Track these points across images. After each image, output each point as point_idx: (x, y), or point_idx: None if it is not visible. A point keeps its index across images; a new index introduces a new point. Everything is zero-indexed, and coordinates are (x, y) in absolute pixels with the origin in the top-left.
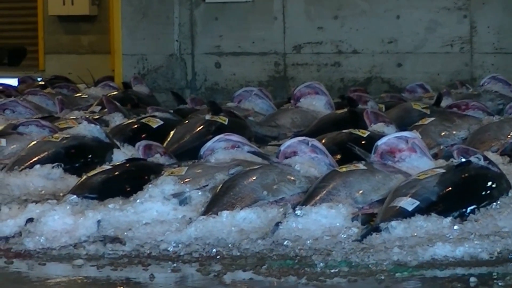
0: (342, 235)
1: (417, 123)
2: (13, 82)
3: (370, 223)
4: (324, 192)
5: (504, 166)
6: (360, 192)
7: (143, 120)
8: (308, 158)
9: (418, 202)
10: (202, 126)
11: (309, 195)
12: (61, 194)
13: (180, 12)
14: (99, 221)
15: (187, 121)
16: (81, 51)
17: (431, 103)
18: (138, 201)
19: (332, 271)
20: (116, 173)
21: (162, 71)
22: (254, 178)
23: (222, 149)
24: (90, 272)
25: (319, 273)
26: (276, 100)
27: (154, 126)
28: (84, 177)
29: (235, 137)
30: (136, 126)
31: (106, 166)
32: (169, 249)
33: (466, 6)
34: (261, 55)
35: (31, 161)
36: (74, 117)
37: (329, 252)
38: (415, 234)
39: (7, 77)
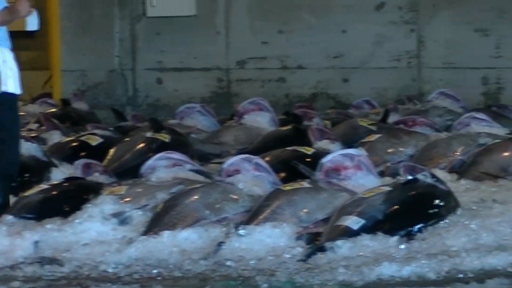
0: (287, 255)
1: (363, 140)
2: None
3: (315, 242)
4: (268, 211)
5: (452, 184)
6: (305, 210)
7: (82, 138)
8: (251, 176)
9: (364, 221)
10: (143, 144)
11: (253, 214)
12: None
13: (121, 27)
14: (36, 242)
15: (127, 139)
16: (20, 67)
17: (378, 119)
18: (76, 221)
19: None
20: (54, 193)
21: (102, 87)
22: (196, 197)
23: (163, 168)
24: None
25: None
26: (220, 116)
27: (94, 144)
28: (21, 196)
29: (176, 155)
30: (75, 144)
31: (43, 185)
32: (108, 270)
33: (413, 20)
34: (204, 70)
35: None
36: None
37: (273, 273)
38: (361, 253)
39: None
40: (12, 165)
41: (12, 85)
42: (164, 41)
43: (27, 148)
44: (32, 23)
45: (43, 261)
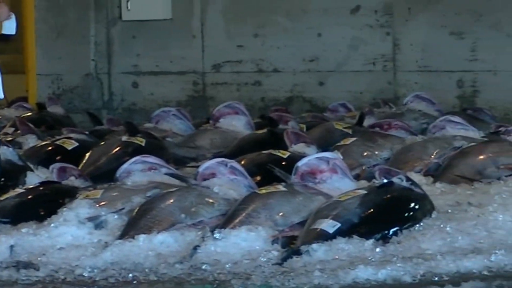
0: (262, 259)
1: (339, 143)
2: None
3: (290, 246)
4: (244, 214)
5: (427, 187)
6: (280, 214)
7: (58, 142)
8: (227, 180)
9: (339, 224)
10: (118, 148)
11: (228, 218)
12: None
13: (97, 30)
14: (12, 246)
15: (103, 143)
16: None
17: (353, 122)
18: (52, 225)
19: None
20: (30, 197)
21: (78, 91)
22: (172, 200)
23: (139, 171)
24: None
25: None
26: (195, 120)
27: (69, 148)
28: None
29: (152, 159)
30: (50, 148)
31: (19, 190)
32: (84, 274)
33: (389, 24)
34: (179, 74)
35: None
36: None
37: (249, 276)
38: (337, 256)
39: None
40: None
41: None
42: (140, 45)
43: (3, 153)
44: (10, 27)
45: (18, 265)
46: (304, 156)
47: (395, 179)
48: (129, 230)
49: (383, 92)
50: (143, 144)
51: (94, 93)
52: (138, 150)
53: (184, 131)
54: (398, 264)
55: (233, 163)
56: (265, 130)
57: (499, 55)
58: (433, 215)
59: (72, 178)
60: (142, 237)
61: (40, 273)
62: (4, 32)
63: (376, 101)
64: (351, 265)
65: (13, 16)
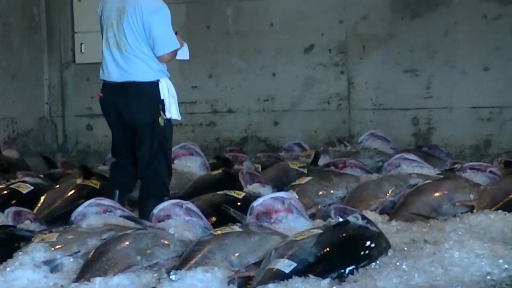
0: None
1: (294, 183)
2: None
3: (246, 286)
4: (199, 255)
5: (383, 225)
6: (236, 254)
7: (12, 186)
8: (182, 221)
9: (295, 264)
10: (73, 191)
11: (184, 259)
12: None
13: (50, 73)
14: None
15: (58, 186)
16: None
17: (308, 161)
18: (8, 269)
19: None
20: None
21: (32, 135)
22: (127, 243)
23: (94, 214)
24: None
25: None
26: None
27: (24, 192)
28: None
29: (107, 201)
30: (5, 192)
31: None
32: None
33: (343, 62)
34: None
35: None
36: None
37: None
38: None
39: None
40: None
41: (175, 112)
42: (93, 87)
43: None
44: (183, 52)
45: None
46: (259, 196)
47: (350, 218)
48: (85, 273)
49: (338, 130)
50: (97, 186)
51: (48, 136)
52: (92, 193)
53: None
54: None
55: (188, 204)
56: (220, 171)
57: (454, 92)
58: (389, 253)
59: (28, 221)
60: (98, 279)
61: None
62: (178, 58)
63: (331, 140)
64: None
65: (185, 44)
